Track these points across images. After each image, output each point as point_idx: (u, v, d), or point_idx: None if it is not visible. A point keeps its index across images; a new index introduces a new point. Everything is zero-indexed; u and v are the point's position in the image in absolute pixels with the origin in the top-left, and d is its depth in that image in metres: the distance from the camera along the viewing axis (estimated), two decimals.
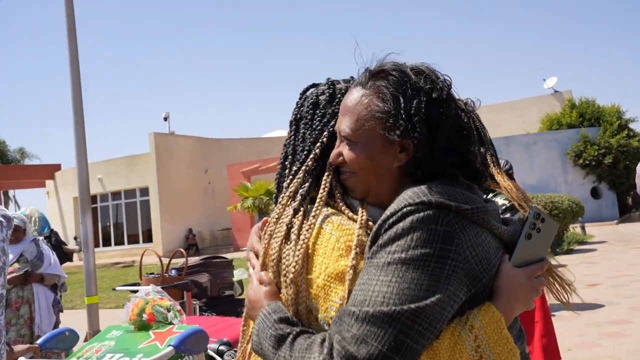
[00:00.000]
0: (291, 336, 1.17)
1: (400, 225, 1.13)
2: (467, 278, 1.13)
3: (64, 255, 6.70)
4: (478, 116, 2.35)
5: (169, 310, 2.64)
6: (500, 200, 2.53)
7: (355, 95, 1.32)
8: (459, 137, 1.28)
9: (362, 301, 1.09)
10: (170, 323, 2.59)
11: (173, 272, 6.30)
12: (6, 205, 36.53)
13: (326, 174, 1.37)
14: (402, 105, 1.23)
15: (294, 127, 1.49)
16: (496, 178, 2.60)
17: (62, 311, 5.87)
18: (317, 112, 1.44)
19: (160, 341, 2.44)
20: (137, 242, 31.78)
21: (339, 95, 1.44)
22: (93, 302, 7.82)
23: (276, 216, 1.36)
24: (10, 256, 5.26)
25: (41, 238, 5.78)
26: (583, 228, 18.84)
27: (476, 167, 1.33)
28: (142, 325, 2.57)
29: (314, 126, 1.43)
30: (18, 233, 5.38)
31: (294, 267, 1.23)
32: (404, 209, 1.15)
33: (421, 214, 1.12)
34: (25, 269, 5.26)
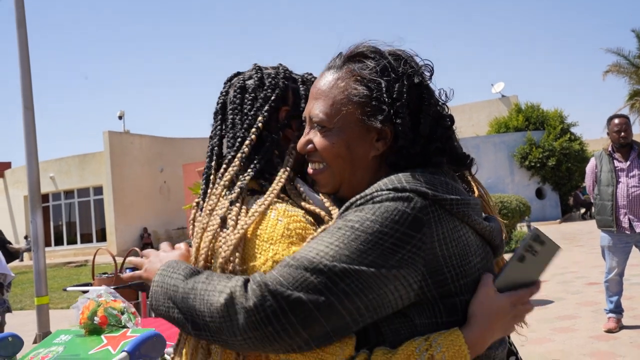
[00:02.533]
0: (207, 272, 1.09)
1: (369, 204, 1.02)
2: (428, 271, 1.01)
3: (9, 255, 6.36)
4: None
5: (122, 313, 2.43)
6: None
7: (329, 78, 1.19)
8: (441, 124, 1.16)
9: (295, 254, 1.02)
10: (125, 326, 2.38)
11: (127, 272, 6.02)
12: None
13: (282, 170, 1.23)
14: (384, 89, 1.11)
15: (219, 116, 1.34)
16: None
17: (10, 311, 5.57)
18: (247, 96, 1.31)
19: (113, 346, 2.23)
20: (90, 241, 30.84)
21: (268, 80, 1.32)
22: (43, 303, 7.42)
23: (209, 208, 1.21)
24: None
25: None
26: (529, 227, 19.24)
27: (461, 152, 1.22)
28: (94, 329, 2.36)
29: (245, 111, 1.29)
30: None
31: (224, 252, 1.11)
32: (374, 193, 1.04)
33: (391, 195, 1.01)
34: None
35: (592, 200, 6.79)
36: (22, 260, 25.45)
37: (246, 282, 1.00)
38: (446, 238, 1.03)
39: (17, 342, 2.29)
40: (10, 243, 6.85)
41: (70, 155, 31.23)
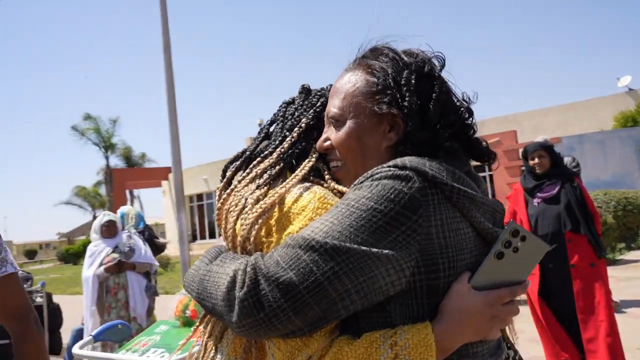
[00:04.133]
0: (226, 254, 1.05)
1: (368, 181, 0.92)
2: (422, 257, 0.88)
3: (156, 248, 6.85)
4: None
5: None
6: None
7: (344, 77, 1.12)
8: (456, 115, 1.04)
9: (297, 233, 0.95)
10: None
11: None
12: (131, 203, 38.67)
13: (307, 159, 1.15)
14: (391, 76, 1.03)
15: (263, 133, 1.28)
16: None
17: (157, 295, 5.96)
18: (291, 107, 1.25)
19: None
20: None
21: (314, 91, 1.26)
22: None
23: (237, 192, 1.14)
24: (107, 248, 5.42)
25: (134, 231, 5.89)
26: None
27: (479, 143, 1.08)
28: (187, 322, 2.42)
29: (287, 116, 1.22)
30: (113, 228, 5.58)
31: (242, 231, 1.04)
32: (375, 170, 0.93)
33: (390, 172, 0.90)
34: (119, 259, 5.37)
35: None
36: (163, 252, 27.44)
37: (247, 261, 0.93)
38: (444, 226, 0.91)
39: (125, 329, 2.40)
40: (157, 238, 7.38)
41: (220, 160, 33.25)
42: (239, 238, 1.06)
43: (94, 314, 5.16)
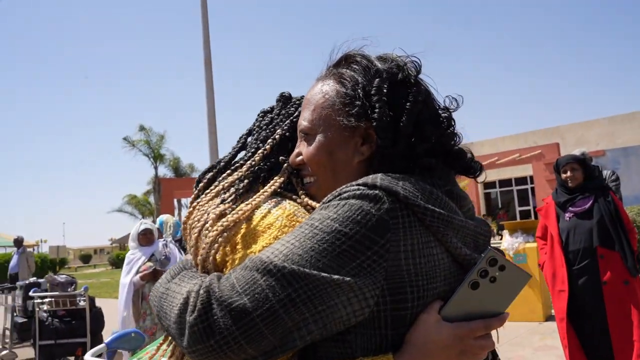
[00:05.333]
0: (185, 271, 0.97)
1: (336, 200, 0.83)
2: (388, 285, 0.79)
3: None
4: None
5: None
6: None
7: (315, 87, 1.03)
8: (435, 125, 0.94)
9: (257, 254, 0.87)
10: None
11: None
12: (178, 211, 39.50)
13: (279, 174, 1.07)
14: (361, 85, 0.94)
15: (240, 143, 1.19)
16: None
17: None
18: (268, 115, 1.17)
19: None
20: None
21: (291, 101, 1.17)
22: None
23: (203, 207, 1.06)
24: (143, 257, 5.48)
25: (170, 240, 5.95)
26: None
27: (462, 155, 0.98)
28: None
29: (262, 126, 1.14)
30: (150, 236, 5.61)
31: (202, 249, 0.96)
32: (344, 188, 0.85)
33: (359, 191, 0.82)
34: (154, 267, 5.42)
35: None
36: None
37: (203, 280, 0.86)
38: (415, 251, 0.82)
39: (139, 338, 2.39)
40: None
41: None
42: (199, 257, 0.99)
43: (125, 320, 5.20)
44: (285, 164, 1.09)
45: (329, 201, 0.86)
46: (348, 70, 0.99)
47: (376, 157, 0.95)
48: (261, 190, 1.03)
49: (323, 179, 1.01)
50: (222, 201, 1.03)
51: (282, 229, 0.94)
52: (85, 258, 59.25)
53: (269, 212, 0.98)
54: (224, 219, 0.98)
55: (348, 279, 0.78)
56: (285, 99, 1.20)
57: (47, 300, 6.51)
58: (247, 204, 1.00)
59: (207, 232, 0.99)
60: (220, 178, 1.10)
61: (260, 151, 1.10)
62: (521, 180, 27.08)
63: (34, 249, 31.99)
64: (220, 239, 0.96)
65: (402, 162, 0.93)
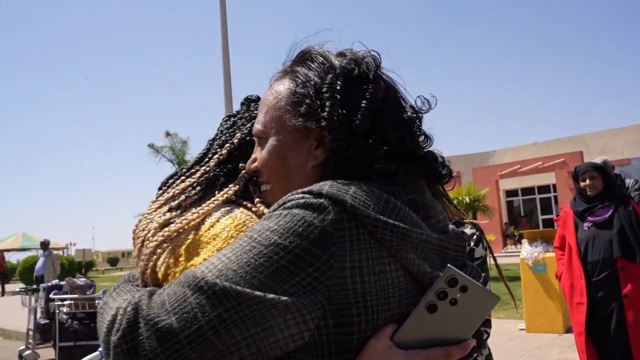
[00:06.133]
0: (123, 285, 0.91)
1: (279, 209, 0.75)
2: (331, 307, 0.70)
3: None
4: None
5: None
6: (468, 230, 1.89)
7: (271, 88, 0.95)
8: (397, 126, 0.84)
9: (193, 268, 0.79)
10: None
11: None
12: None
13: (233, 184, 1.00)
14: (312, 82, 0.85)
15: (205, 149, 1.12)
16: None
17: None
18: (232, 119, 1.11)
19: None
20: None
21: (254, 105, 1.11)
22: None
23: (146, 215, 0.99)
24: None
25: None
26: None
27: (430, 160, 0.88)
28: None
29: (223, 130, 1.07)
30: None
31: (140, 262, 0.89)
32: (288, 197, 0.76)
33: (303, 200, 0.73)
34: None
35: None
36: None
37: (136, 294, 0.79)
38: (363, 268, 0.72)
39: None
40: None
41: None
42: (138, 268, 0.91)
43: None
44: (243, 171, 1.02)
45: (273, 210, 0.77)
46: (303, 68, 0.91)
47: (331, 162, 0.86)
48: (212, 199, 0.96)
49: (277, 186, 0.92)
50: (169, 210, 0.96)
51: (228, 240, 0.86)
52: (113, 261, 60.08)
53: (217, 221, 0.91)
54: (165, 229, 0.91)
55: (285, 298, 0.69)
56: (250, 102, 1.13)
57: (66, 302, 6.55)
58: (194, 213, 0.92)
59: (147, 242, 0.92)
60: (174, 185, 1.03)
61: (216, 157, 1.03)
62: (544, 189, 26.55)
63: (63, 252, 32.55)
64: (159, 250, 0.89)
65: (360, 166, 0.83)
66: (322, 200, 0.73)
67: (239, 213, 0.93)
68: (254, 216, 0.94)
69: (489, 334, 1.88)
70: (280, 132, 0.90)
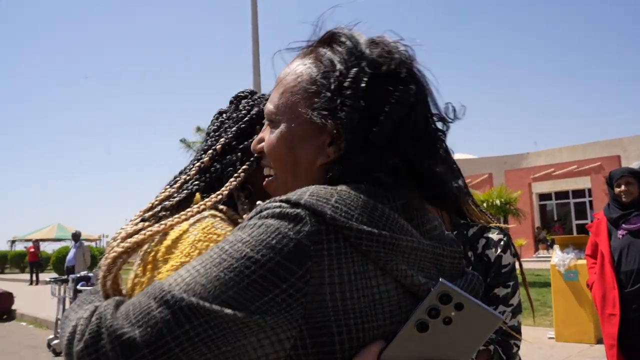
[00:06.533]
0: (86, 294, 0.87)
1: (255, 218, 0.69)
2: (307, 326, 0.63)
3: None
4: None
5: None
6: (494, 236, 1.77)
7: (291, 65, 0.85)
8: (418, 141, 0.75)
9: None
10: None
11: None
12: None
13: (231, 179, 0.94)
14: (337, 72, 0.76)
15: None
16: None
17: None
18: (220, 118, 1.06)
19: None
20: None
21: (243, 103, 1.06)
22: None
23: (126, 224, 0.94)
24: None
25: None
26: None
27: (441, 183, 0.79)
28: None
29: (210, 132, 1.03)
30: None
31: (101, 272, 0.84)
32: (265, 204, 0.69)
33: (279, 209, 0.67)
34: None
35: None
36: None
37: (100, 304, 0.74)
38: (344, 284, 0.65)
39: None
40: None
41: None
42: (100, 278, 0.86)
43: None
44: (237, 173, 0.96)
45: (249, 219, 0.70)
46: (328, 51, 0.81)
47: (338, 163, 0.77)
48: (185, 210, 0.89)
49: (282, 177, 0.85)
50: (142, 220, 0.90)
51: (195, 244, 0.81)
52: None
53: (186, 229, 0.86)
54: (128, 240, 0.85)
55: (257, 317, 0.62)
56: (239, 100, 1.07)
57: None
58: (161, 224, 0.86)
59: (109, 252, 0.87)
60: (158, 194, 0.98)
61: (197, 164, 0.97)
62: (579, 193, 25.82)
63: (96, 243, 33.34)
64: (119, 262, 0.84)
65: (362, 172, 0.75)
66: (298, 210, 0.66)
67: (208, 216, 0.87)
68: (224, 218, 0.88)
69: (519, 347, 1.76)
70: (293, 120, 0.81)
